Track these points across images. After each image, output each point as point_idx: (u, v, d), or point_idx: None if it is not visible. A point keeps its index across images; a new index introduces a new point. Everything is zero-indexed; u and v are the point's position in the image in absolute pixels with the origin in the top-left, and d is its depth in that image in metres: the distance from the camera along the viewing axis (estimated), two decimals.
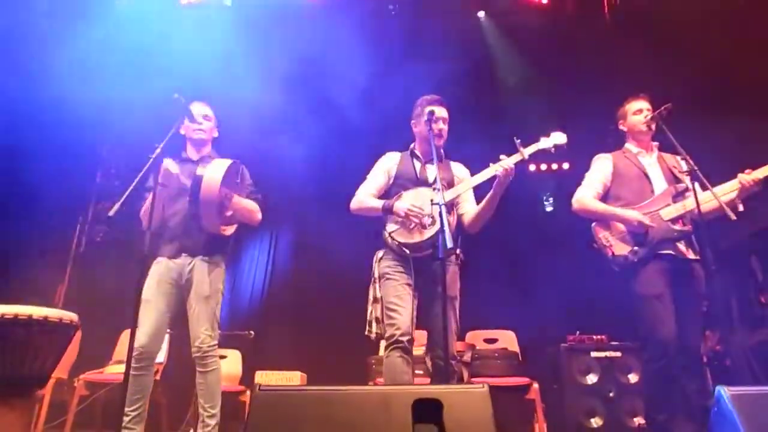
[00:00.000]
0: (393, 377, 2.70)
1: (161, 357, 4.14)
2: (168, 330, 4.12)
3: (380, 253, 3.02)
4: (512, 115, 5.95)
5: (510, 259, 5.61)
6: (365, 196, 3.09)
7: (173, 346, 4.21)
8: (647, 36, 5.20)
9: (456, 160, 3.26)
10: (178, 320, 3.24)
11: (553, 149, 3.02)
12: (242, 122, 5.23)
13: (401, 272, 2.88)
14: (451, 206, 2.98)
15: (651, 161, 3.25)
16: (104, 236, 6.03)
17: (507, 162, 2.86)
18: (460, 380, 3.39)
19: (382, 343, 2.92)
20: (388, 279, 2.90)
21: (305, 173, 5.77)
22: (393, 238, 2.90)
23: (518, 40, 6.06)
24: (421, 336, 2.97)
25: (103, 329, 4.40)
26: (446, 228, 2.43)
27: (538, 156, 3.06)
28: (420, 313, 2.88)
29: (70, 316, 2.49)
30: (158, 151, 2.73)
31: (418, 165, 3.13)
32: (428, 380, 3.10)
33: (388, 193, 3.09)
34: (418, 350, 3.03)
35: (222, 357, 4.67)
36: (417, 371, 3.16)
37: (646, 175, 3.17)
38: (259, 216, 3.37)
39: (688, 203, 2.96)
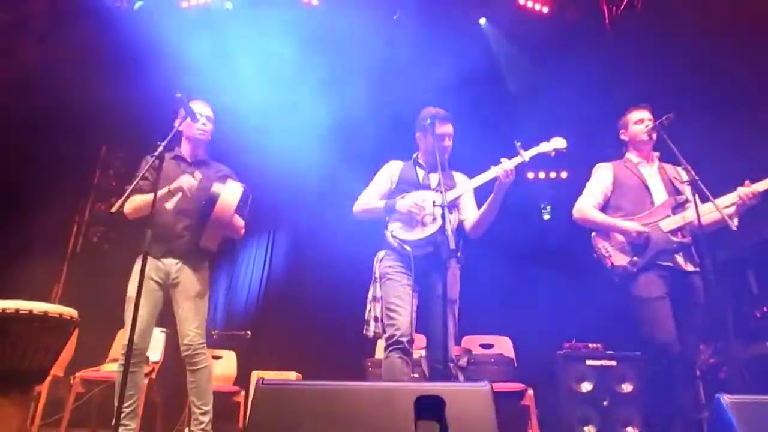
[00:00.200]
0: (392, 378, 2.71)
1: (157, 356, 4.15)
2: (165, 330, 4.14)
3: (381, 254, 3.03)
4: (512, 123, 5.97)
5: (507, 266, 5.61)
6: (368, 199, 3.12)
7: (169, 345, 4.20)
8: (647, 45, 5.24)
9: (456, 167, 3.28)
10: (169, 320, 3.25)
11: (553, 153, 3.05)
12: (242, 121, 5.26)
13: (402, 273, 2.90)
14: (452, 209, 3.00)
15: (652, 172, 3.26)
16: (101, 236, 6.03)
17: (508, 164, 2.88)
18: None
19: (379, 345, 2.93)
20: (388, 279, 2.91)
21: (304, 173, 5.78)
22: (394, 236, 2.92)
23: (520, 48, 6.10)
24: (419, 339, 2.96)
25: (99, 328, 4.38)
26: (448, 230, 2.44)
27: (537, 164, 3.09)
28: (419, 314, 2.89)
29: (69, 312, 2.49)
30: (161, 149, 2.74)
31: (421, 173, 3.16)
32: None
33: (391, 197, 3.10)
34: (416, 353, 3.03)
35: (217, 358, 4.69)
36: (413, 375, 3.16)
37: (646, 186, 3.18)
38: (243, 231, 3.40)
39: (688, 215, 2.97)
